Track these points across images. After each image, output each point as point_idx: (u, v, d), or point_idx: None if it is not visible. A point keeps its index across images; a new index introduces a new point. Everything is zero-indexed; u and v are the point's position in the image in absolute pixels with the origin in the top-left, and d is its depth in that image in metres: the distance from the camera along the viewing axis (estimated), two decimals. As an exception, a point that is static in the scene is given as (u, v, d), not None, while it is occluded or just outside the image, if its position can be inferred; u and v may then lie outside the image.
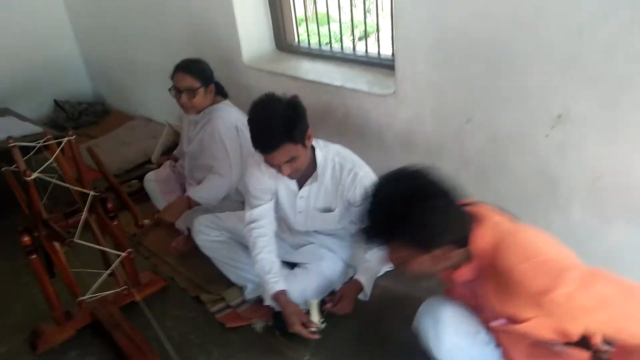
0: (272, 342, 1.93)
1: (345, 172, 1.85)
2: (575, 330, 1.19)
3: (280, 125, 1.64)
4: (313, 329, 1.77)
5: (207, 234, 2.15)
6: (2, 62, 3.95)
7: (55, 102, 4.23)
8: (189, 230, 2.33)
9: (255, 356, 1.88)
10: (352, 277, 1.95)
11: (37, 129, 3.12)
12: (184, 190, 2.59)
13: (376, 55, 2.52)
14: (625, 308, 1.10)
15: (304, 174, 1.86)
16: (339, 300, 1.87)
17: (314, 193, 1.92)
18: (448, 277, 1.35)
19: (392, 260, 1.29)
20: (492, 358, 1.44)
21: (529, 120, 1.84)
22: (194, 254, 2.33)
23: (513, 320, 1.24)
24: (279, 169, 1.75)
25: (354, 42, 2.76)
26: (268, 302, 1.88)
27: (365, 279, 1.89)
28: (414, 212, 1.15)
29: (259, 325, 1.98)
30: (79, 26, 4.23)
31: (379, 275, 1.99)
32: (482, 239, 1.22)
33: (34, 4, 4.00)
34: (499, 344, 1.44)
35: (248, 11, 2.79)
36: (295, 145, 1.69)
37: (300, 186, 1.91)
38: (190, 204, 2.30)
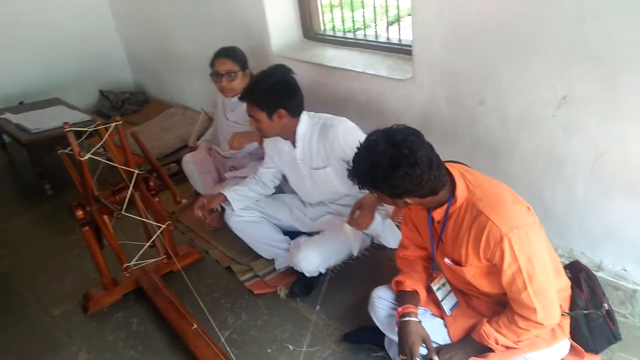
0: (294, 307, 2.12)
1: (327, 128, 2.06)
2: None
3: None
4: None
5: (241, 215, 2.33)
6: (52, 56, 4.29)
7: (101, 92, 4.53)
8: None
9: (278, 318, 2.08)
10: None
11: (85, 117, 3.40)
12: (218, 171, 2.80)
13: (397, 41, 2.63)
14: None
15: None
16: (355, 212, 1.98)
17: (307, 154, 2.13)
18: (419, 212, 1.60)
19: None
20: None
21: (536, 101, 1.93)
22: (226, 230, 2.55)
23: (458, 262, 1.50)
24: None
25: (379, 28, 2.87)
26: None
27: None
28: (394, 178, 1.35)
29: (282, 292, 2.18)
30: (122, 22, 4.51)
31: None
32: (460, 190, 1.44)
33: (80, 2, 4.29)
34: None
35: (277, 2, 2.94)
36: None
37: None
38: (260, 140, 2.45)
